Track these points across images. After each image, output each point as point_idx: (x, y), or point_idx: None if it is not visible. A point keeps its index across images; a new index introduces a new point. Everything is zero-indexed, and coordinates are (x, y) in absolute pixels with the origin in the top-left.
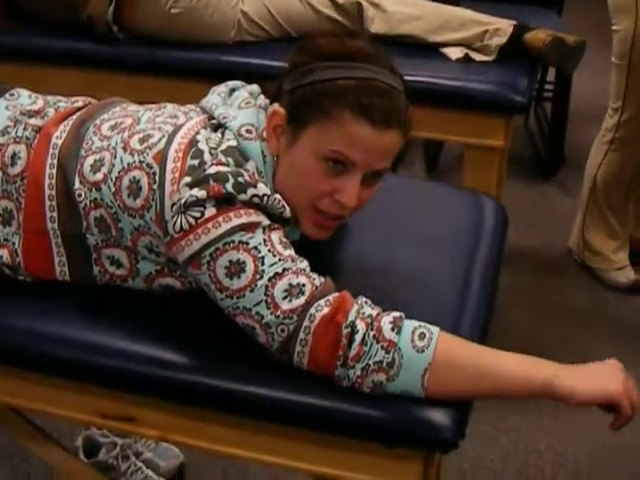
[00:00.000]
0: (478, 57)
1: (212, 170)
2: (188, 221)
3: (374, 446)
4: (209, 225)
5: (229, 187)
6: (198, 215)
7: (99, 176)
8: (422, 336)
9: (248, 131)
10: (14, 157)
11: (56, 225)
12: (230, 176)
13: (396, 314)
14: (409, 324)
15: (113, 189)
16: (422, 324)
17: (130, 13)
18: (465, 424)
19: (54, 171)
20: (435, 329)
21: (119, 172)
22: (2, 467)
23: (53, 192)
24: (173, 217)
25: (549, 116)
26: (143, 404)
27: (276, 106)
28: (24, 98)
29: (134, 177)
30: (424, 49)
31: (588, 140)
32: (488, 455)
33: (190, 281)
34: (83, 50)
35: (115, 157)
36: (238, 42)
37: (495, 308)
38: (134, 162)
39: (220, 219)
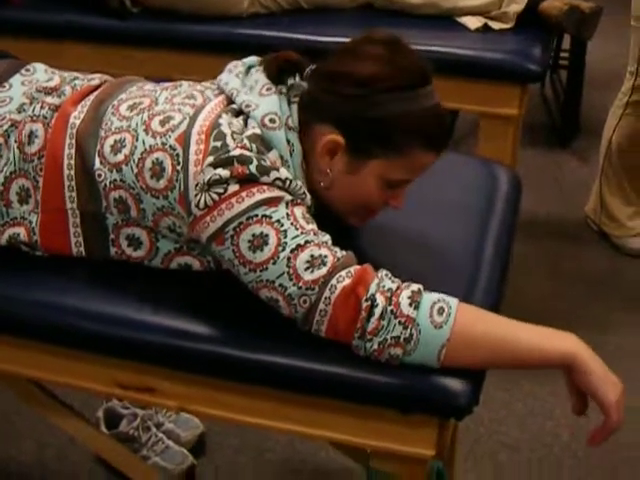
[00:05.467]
0: (497, 25)
1: (236, 152)
2: (212, 197)
3: (389, 412)
4: (232, 200)
5: (253, 169)
6: (221, 191)
7: (120, 157)
8: (441, 311)
9: (272, 120)
10: (31, 136)
11: (75, 205)
12: (254, 159)
13: (415, 288)
14: (428, 298)
15: (135, 170)
16: (441, 297)
17: None
18: (479, 390)
19: (72, 151)
20: (454, 302)
21: (141, 154)
22: (26, 439)
23: (72, 172)
24: (197, 195)
25: (565, 84)
26: (162, 375)
27: (332, 131)
28: (40, 73)
29: (157, 159)
30: (438, 19)
31: (604, 107)
32: (504, 421)
33: (209, 260)
34: (97, 25)
35: (137, 139)
36: (251, 14)
37: (511, 276)
38: (156, 144)
39: (243, 194)
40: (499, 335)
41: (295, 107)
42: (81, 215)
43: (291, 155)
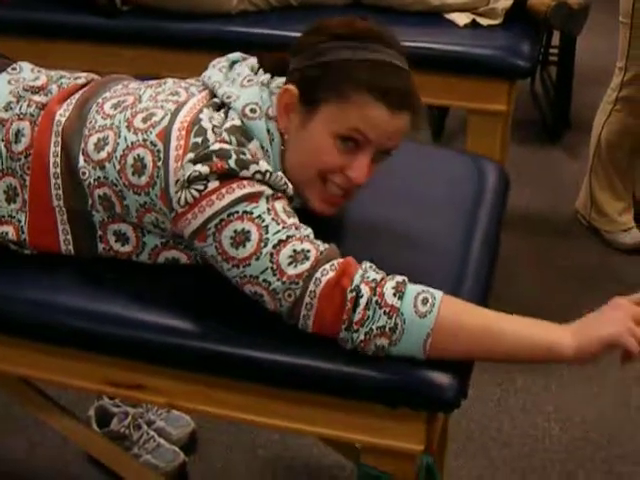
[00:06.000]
0: (485, 22)
1: (215, 147)
2: (192, 194)
3: (378, 408)
4: (213, 197)
5: (232, 163)
6: (202, 188)
7: (103, 155)
8: (425, 301)
9: (252, 110)
10: (18, 134)
11: (62, 203)
12: (233, 153)
13: (399, 279)
14: (412, 289)
15: (118, 167)
16: (425, 289)
17: None
18: (467, 384)
19: (58, 149)
20: (438, 294)
21: (123, 150)
22: (18, 438)
23: (58, 170)
24: (177, 192)
25: (555, 80)
26: (151, 372)
27: (288, 84)
28: (27, 72)
29: (138, 155)
30: (427, 15)
31: (593, 103)
32: (496, 416)
33: (196, 254)
34: (86, 24)
35: (119, 136)
36: (240, 12)
37: (501, 271)
38: (138, 140)
39: (224, 191)
40: (484, 325)
41: (276, 98)
42: (68, 213)
43: (271, 144)
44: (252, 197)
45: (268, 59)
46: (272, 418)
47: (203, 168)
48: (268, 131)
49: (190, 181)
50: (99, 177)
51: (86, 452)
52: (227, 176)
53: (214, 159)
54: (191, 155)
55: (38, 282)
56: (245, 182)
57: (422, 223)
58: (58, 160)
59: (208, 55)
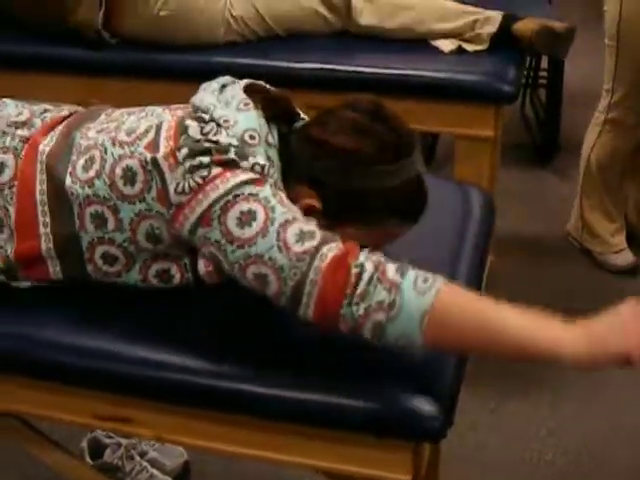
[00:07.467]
0: (471, 47)
1: (213, 139)
2: (195, 181)
3: (365, 438)
4: (217, 182)
5: (232, 154)
6: (205, 174)
7: (91, 173)
8: (425, 280)
9: (252, 137)
10: (1, 166)
11: (49, 230)
12: (232, 147)
13: (402, 263)
14: (414, 271)
15: (108, 182)
16: (427, 273)
17: (119, 18)
18: (452, 413)
19: (44, 177)
20: (440, 277)
21: (111, 165)
22: (10, 472)
23: (44, 197)
24: (179, 183)
25: (544, 103)
26: (137, 405)
27: (311, 199)
28: (11, 108)
29: (127, 165)
30: (413, 42)
31: (583, 125)
32: (489, 441)
33: (185, 263)
34: (74, 57)
35: (105, 152)
36: (228, 42)
37: (492, 294)
38: (125, 153)
39: (228, 174)
40: (485, 313)
41: (274, 125)
42: (54, 238)
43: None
44: (257, 181)
45: (271, 104)
46: (259, 450)
47: (204, 159)
48: (268, 158)
49: (192, 170)
50: (88, 195)
51: None
52: (228, 164)
53: (214, 153)
54: (185, 150)
55: (24, 317)
56: (247, 170)
57: (407, 252)
58: (44, 187)
59: (196, 86)
